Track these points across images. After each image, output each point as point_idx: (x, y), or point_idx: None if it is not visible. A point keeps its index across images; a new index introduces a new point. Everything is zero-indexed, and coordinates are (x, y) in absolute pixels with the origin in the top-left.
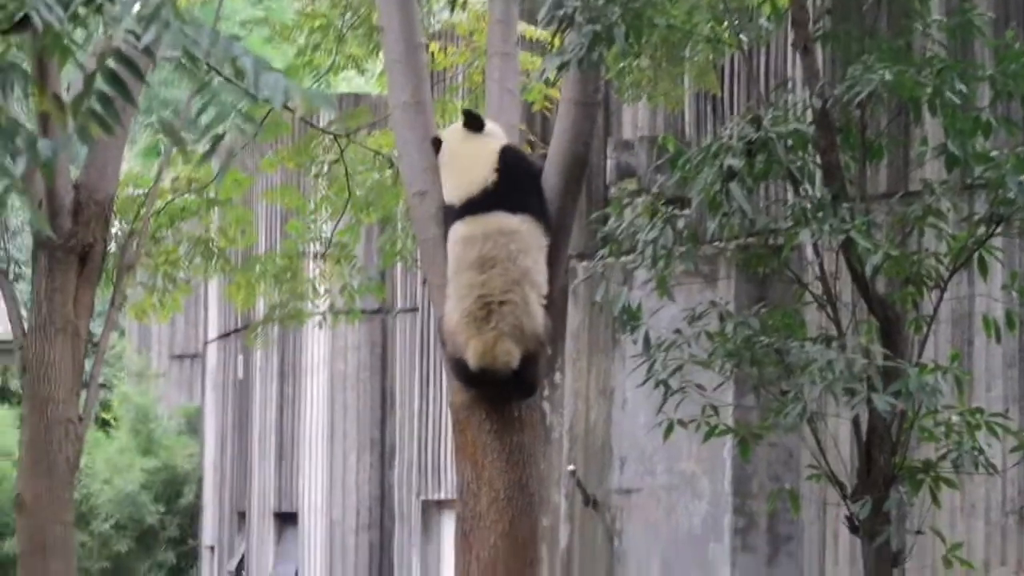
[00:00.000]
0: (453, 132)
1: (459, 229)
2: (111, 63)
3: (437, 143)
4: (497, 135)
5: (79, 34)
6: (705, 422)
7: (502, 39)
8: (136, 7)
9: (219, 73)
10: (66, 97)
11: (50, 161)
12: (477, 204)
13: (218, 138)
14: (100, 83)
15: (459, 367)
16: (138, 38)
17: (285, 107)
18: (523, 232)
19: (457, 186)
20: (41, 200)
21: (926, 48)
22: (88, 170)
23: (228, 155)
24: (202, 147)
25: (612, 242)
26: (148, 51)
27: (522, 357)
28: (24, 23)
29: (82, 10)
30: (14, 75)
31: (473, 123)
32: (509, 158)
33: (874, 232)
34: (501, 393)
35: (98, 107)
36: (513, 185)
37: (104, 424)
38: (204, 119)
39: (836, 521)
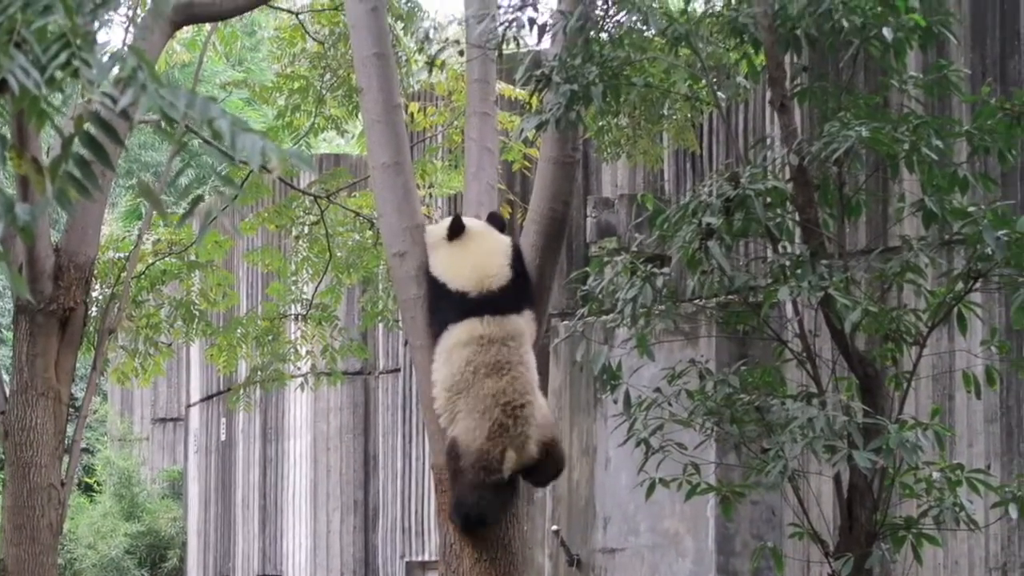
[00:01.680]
0: (475, 223)
1: (475, 327)
2: (88, 127)
3: (458, 224)
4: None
5: (57, 98)
6: (686, 481)
7: (481, 99)
8: (113, 71)
9: (198, 135)
10: (46, 161)
11: (28, 226)
12: (495, 304)
13: (196, 200)
14: (78, 147)
15: (484, 477)
16: (115, 101)
17: (263, 168)
18: (527, 334)
19: (472, 276)
20: (21, 264)
21: (903, 104)
22: (69, 234)
23: (207, 217)
24: (181, 209)
25: (592, 301)
26: (125, 114)
27: (539, 448)
28: (1, 87)
29: (59, 73)
30: None
31: (498, 223)
32: (517, 253)
33: (853, 289)
34: (535, 481)
35: (76, 171)
36: (522, 282)
37: (87, 489)
38: (183, 180)
39: None
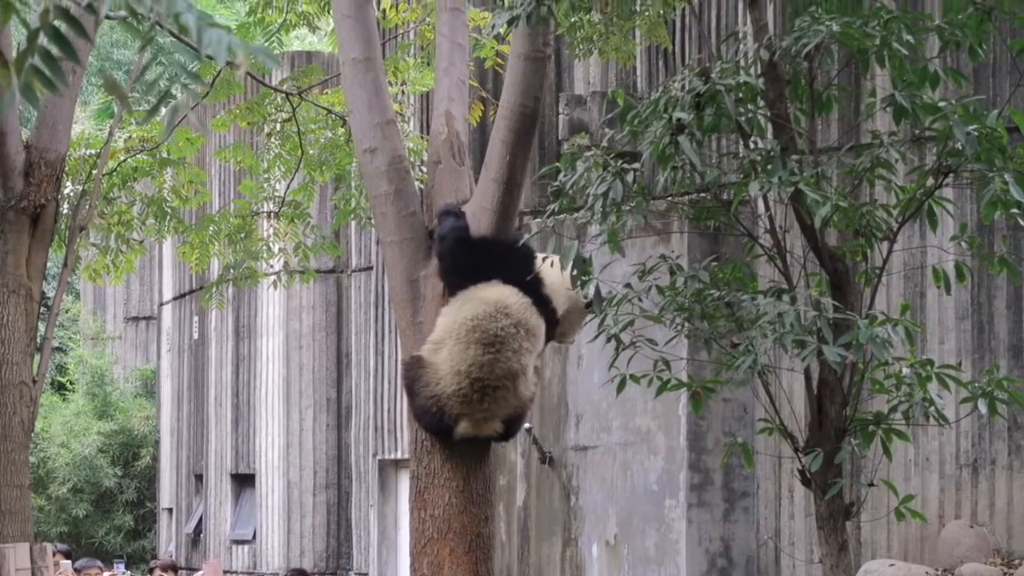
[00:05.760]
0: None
1: (511, 295)
2: (55, 21)
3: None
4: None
5: None
6: (657, 376)
7: None
8: None
9: (166, 29)
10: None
11: None
12: (544, 301)
13: (163, 95)
14: (44, 41)
15: (437, 421)
16: None
17: (229, 64)
18: (539, 333)
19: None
20: None
21: None
22: (39, 130)
23: (172, 112)
24: (147, 105)
25: (563, 197)
26: (92, 8)
27: (506, 421)
28: None
29: None
30: None
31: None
32: None
33: (823, 184)
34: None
35: (42, 65)
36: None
37: (60, 388)
38: (150, 75)
39: (791, 476)
